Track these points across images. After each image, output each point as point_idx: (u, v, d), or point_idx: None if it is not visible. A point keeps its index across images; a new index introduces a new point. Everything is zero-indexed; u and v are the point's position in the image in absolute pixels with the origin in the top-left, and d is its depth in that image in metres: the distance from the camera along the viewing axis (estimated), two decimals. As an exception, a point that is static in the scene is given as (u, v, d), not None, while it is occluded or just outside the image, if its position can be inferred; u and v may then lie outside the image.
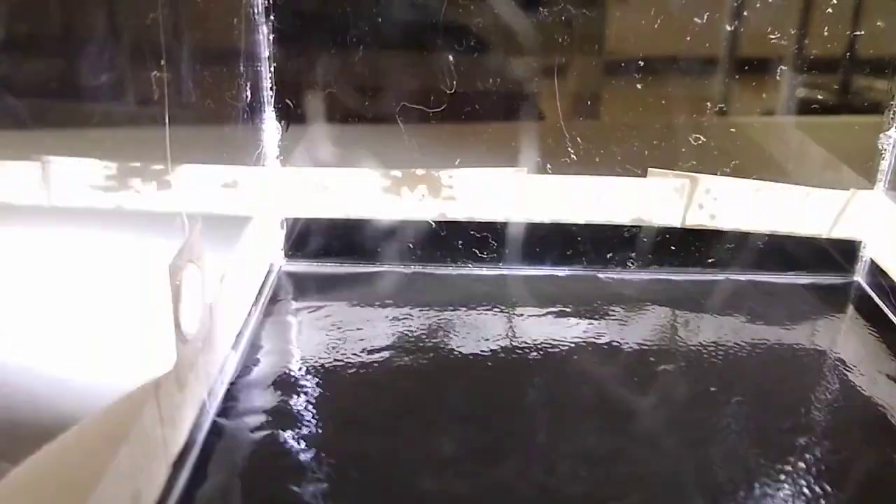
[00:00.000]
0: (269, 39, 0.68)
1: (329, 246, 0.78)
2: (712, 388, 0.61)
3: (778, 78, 0.74)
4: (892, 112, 0.72)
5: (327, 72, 0.72)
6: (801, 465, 0.53)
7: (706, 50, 0.73)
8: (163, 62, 0.44)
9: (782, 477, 0.52)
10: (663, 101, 0.73)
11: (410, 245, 0.77)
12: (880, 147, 0.73)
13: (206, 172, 0.62)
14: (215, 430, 0.55)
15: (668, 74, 0.73)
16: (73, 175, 0.57)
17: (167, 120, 0.47)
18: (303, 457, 0.53)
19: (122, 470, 0.41)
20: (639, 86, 0.73)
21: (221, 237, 0.62)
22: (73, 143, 0.48)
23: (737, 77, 0.74)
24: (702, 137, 0.73)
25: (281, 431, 0.55)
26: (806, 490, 0.51)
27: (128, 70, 0.43)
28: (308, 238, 0.78)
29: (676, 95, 0.74)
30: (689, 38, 0.72)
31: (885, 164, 0.74)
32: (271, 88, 0.70)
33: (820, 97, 0.74)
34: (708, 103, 0.73)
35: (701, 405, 0.59)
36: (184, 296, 0.49)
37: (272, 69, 0.69)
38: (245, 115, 0.64)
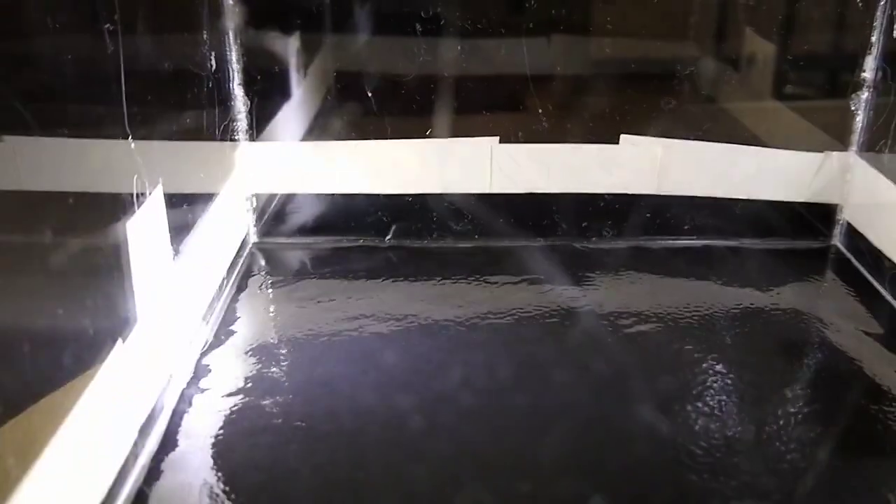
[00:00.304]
0: (234, 10, 0.68)
1: (303, 221, 0.77)
2: (687, 347, 0.61)
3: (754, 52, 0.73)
4: (862, 72, 0.72)
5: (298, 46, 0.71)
6: (779, 415, 0.53)
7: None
8: (116, 15, 0.44)
9: (760, 427, 0.52)
10: (633, 65, 0.73)
11: (385, 219, 0.77)
12: (852, 107, 0.73)
13: (171, 146, 0.62)
14: (184, 399, 0.55)
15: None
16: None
17: (122, 81, 0.47)
18: (271, 422, 0.53)
19: (76, 435, 0.41)
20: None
21: (187, 210, 0.61)
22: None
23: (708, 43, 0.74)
24: (673, 101, 0.73)
25: (250, 398, 0.55)
26: (784, 438, 0.51)
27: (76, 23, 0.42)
28: (281, 214, 0.77)
29: (648, 62, 0.74)
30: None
31: (857, 125, 0.74)
32: (238, 60, 0.69)
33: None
34: (678, 66, 0.73)
35: (675, 361, 0.59)
36: (143, 256, 0.49)
37: (238, 41, 0.69)
38: (210, 86, 0.63)
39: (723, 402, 0.54)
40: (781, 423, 0.52)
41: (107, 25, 0.43)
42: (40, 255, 0.41)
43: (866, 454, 0.51)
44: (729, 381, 0.56)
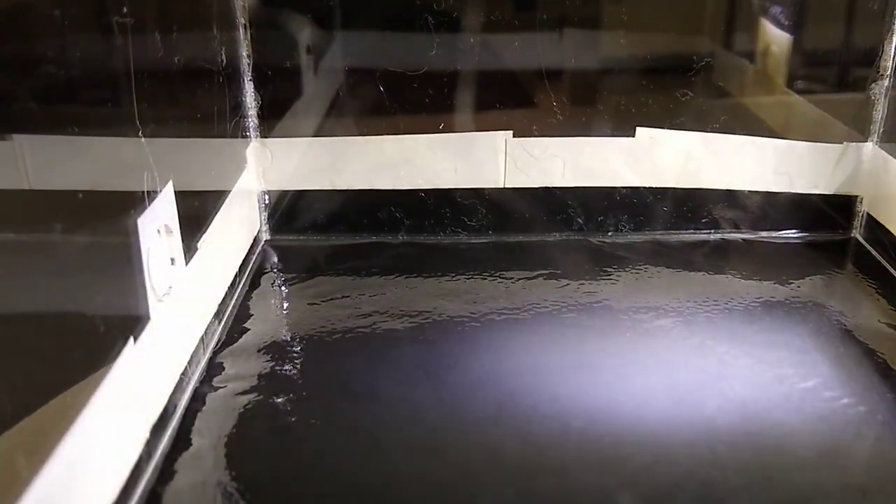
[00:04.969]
0: (244, 4, 0.67)
1: (315, 218, 0.76)
2: (708, 342, 0.60)
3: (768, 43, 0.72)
4: (881, 61, 0.71)
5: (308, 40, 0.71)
6: (804, 410, 0.52)
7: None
8: (125, 9, 0.43)
9: (784, 421, 0.51)
10: (648, 57, 0.72)
11: (398, 215, 0.76)
12: (872, 97, 0.72)
13: (182, 143, 0.61)
14: (197, 397, 0.54)
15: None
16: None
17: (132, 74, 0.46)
18: (285, 420, 0.52)
19: (88, 435, 0.40)
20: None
21: (199, 207, 0.60)
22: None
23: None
24: (689, 93, 0.72)
25: (263, 397, 0.54)
26: (810, 434, 0.50)
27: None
28: (293, 210, 0.76)
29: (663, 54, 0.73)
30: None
31: (877, 115, 0.73)
32: (248, 56, 0.69)
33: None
34: (694, 58, 0.71)
35: (695, 356, 0.58)
36: (154, 253, 0.48)
37: (249, 36, 0.68)
38: (221, 81, 0.63)
39: (747, 398, 0.53)
40: (807, 418, 0.51)
41: (116, 18, 0.43)
42: (51, 254, 0.40)
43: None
44: (752, 376, 0.55)
